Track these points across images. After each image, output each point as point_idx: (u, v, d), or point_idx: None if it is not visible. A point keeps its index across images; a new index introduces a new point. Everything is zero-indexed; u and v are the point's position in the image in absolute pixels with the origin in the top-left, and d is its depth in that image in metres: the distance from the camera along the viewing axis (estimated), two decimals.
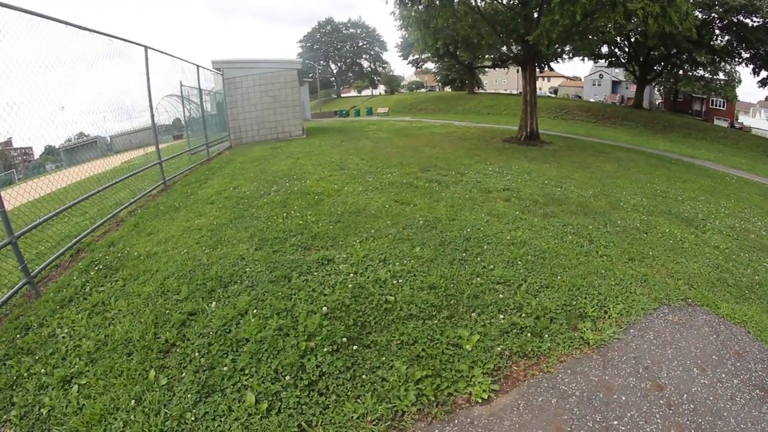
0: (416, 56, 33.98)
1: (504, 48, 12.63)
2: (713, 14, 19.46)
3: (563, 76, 51.26)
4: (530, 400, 1.61)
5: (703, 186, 6.82)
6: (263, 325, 1.99)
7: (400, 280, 2.43)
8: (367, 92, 48.75)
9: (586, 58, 23.73)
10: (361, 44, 48.58)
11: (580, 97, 38.74)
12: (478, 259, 2.77)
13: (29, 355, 2.00)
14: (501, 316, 2.10)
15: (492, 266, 2.65)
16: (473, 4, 10.59)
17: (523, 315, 2.12)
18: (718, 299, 2.51)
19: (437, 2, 9.79)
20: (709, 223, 4.20)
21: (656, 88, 33.24)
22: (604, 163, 7.95)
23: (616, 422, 1.50)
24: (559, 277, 2.53)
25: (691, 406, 1.59)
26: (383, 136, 10.60)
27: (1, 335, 2.20)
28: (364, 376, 1.68)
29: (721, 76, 24.25)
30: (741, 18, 19.16)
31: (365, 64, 49.58)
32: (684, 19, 8.38)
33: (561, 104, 24.41)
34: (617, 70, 36.48)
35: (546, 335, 1.97)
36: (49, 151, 5.06)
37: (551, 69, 31.51)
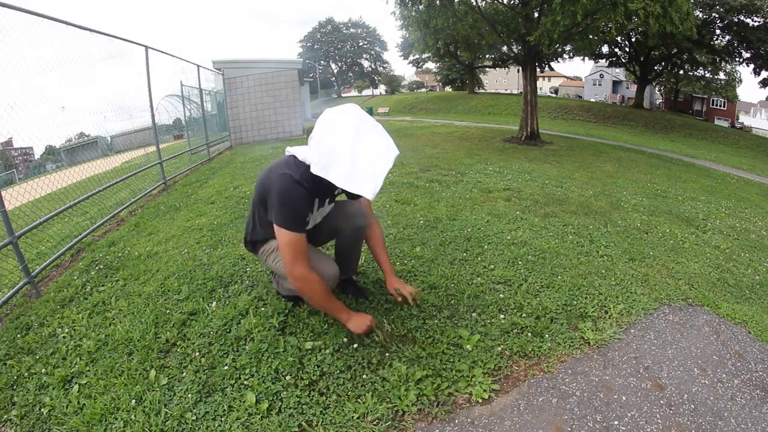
0: (417, 56, 33.99)
1: (504, 48, 12.61)
2: (714, 14, 19.47)
3: (564, 76, 51.28)
4: (531, 400, 1.60)
5: (703, 186, 6.82)
6: (264, 324, 1.99)
7: None
8: (367, 92, 48.76)
9: (586, 58, 23.75)
10: (361, 44, 48.65)
11: (580, 97, 38.75)
12: (479, 259, 2.77)
13: (30, 354, 2.00)
14: (501, 316, 2.09)
15: (492, 266, 2.65)
16: (474, 4, 10.59)
17: (524, 315, 2.12)
18: (719, 299, 2.51)
19: (437, 2, 9.79)
20: (709, 223, 4.20)
21: (657, 88, 33.27)
22: (604, 163, 7.94)
23: (616, 422, 1.50)
24: (559, 277, 2.53)
25: (692, 406, 1.59)
26: None
27: (1, 335, 2.21)
28: (364, 376, 1.68)
29: (722, 76, 24.28)
30: (742, 18, 19.16)
31: (366, 63, 49.62)
32: (685, 19, 8.38)
33: (562, 104, 24.40)
34: (618, 70, 36.50)
35: (546, 335, 1.97)
36: (50, 151, 5.07)
37: (552, 69, 31.52)
